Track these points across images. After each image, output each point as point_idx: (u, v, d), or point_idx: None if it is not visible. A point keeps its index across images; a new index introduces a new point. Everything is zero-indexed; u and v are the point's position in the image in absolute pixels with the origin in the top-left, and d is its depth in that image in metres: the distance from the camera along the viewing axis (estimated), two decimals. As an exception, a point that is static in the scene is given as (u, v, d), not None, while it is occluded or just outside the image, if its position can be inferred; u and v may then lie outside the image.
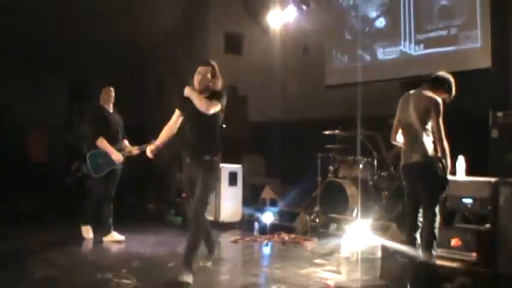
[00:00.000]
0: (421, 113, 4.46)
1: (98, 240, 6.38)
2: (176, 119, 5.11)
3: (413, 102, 4.53)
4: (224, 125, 10.05)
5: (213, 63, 5.07)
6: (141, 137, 6.27)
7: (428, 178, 4.38)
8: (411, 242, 4.50)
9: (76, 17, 10.52)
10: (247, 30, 11.48)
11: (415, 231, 4.48)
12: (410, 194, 4.56)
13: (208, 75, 4.98)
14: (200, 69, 5.04)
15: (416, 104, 4.50)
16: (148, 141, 5.49)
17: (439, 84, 4.56)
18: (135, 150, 6.48)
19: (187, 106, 4.91)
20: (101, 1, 10.18)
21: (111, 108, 6.63)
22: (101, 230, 6.46)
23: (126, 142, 6.69)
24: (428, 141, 4.43)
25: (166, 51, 11.73)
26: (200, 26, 11.61)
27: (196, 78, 4.98)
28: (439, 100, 4.43)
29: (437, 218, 4.37)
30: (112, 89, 6.67)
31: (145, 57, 11.72)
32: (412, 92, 4.63)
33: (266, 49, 10.85)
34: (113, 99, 6.65)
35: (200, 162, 4.88)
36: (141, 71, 12.07)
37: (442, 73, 4.64)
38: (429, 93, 4.48)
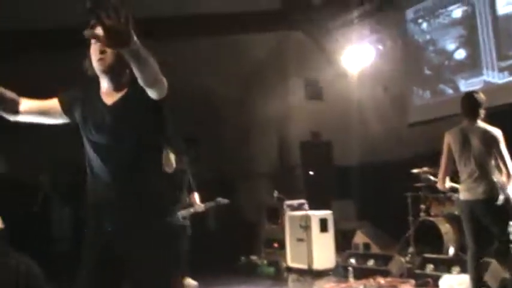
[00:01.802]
0: (487, 144, 4.37)
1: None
2: None
3: (476, 134, 4.45)
4: (311, 172, 10.11)
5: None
6: (221, 189, 6.33)
7: (502, 212, 4.25)
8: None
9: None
10: (326, 75, 11.51)
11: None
12: (475, 230, 4.44)
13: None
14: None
15: (481, 136, 4.42)
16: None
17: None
18: (200, 208, 6.62)
19: None
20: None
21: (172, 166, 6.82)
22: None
23: (195, 196, 6.83)
24: (495, 173, 4.32)
25: (248, 101, 11.87)
26: (280, 73, 11.74)
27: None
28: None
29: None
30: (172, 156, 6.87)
31: (223, 108, 11.88)
32: (464, 125, 4.58)
33: (345, 92, 10.85)
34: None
35: None
36: (219, 122, 12.24)
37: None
38: (486, 125, 4.44)
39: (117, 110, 2.78)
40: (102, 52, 2.77)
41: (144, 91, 2.65)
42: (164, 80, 2.63)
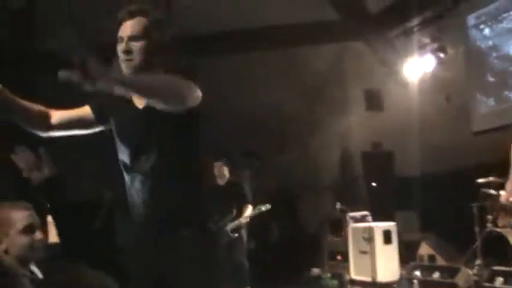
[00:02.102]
0: None
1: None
2: None
3: None
4: (374, 183, 10.00)
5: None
6: (284, 203, 6.35)
7: None
8: None
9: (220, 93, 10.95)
10: (386, 85, 11.40)
11: None
12: None
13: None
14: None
15: None
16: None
17: None
18: (245, 219, 6.67)
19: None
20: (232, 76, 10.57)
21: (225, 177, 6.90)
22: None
23: (248, 209, 6.89)
24: None
25: (305, 114, 11.82)
26: (340, 84, 11.67)
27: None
28: None
29: None
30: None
31: (285, 122, 11.85)
32: None
33: (406, 101, 10.70)
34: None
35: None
36: (281, 135, 12.22)
37: None
38: None
39: (149, 114, 2.57)
40: (127, 52, 2.61)
41: None
42: (185, 91, 2.44)
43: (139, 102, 2.67)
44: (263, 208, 7.01)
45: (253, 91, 10.43)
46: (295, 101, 11.21)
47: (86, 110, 2.80)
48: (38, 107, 2.75)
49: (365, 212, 8.96)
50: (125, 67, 2.62)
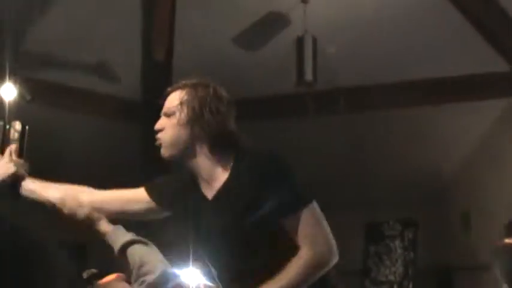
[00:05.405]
0: None
1: None
2: None
3: None
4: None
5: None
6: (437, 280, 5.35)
7: None
8: None
9: (369, 154, 10.17)
10: None
11: None
12: None
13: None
14: None
15: None
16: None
17: None
18: None
19: None
20: (390, 137, 9.71)
21: None
22: None
23: None
24: None
25: (470, 180, 10.63)
26: (505, 145, 10.36)
27: None
28: None
29: None
30: None
31: (446, 189, 10.76)
32: None
33: None
34: None
35: None
36: (442, 205, 11.09)
37: None
38: None
39: (220, 205, 2.15)
40: (156, 132, 2.25)
41: (252, 168, 2.10)
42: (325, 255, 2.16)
43: (210, 192, 2.27)
44: None
45: (407, 153, 9.54)
46: (455, 164, 10.15)
47: (139, 194, 2.45)
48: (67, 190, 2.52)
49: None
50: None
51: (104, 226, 2.52)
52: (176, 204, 2.35)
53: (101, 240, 2.58)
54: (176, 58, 8.15)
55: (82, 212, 2.42)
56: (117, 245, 2.52)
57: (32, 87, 4.21)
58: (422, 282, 6.53)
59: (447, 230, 10.70)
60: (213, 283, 2.83)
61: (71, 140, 7.95)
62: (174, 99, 2.24)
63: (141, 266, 2.47)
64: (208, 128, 2.18)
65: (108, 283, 3.06)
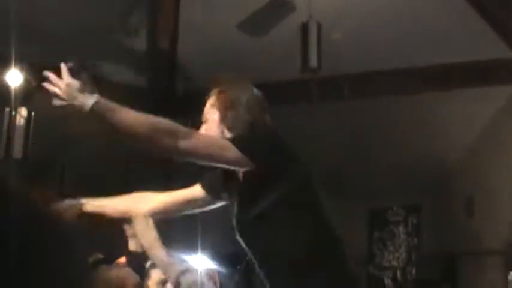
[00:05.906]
0: None
1: None
2: None
3: None
4: None
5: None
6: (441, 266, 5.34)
7: None
8: None
9: (373, 140, 10.15)
10: None
11: None
12: None
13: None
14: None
15: None
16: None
17: None
18: None
19: None
20: (392, 124, 9.68)
21: None
22: None
23: None
24: None
25: (473, 166, 10.60)
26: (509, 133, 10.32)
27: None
28: None
29: None
30: None
31: (450, 175, 10.74)
32: None
33: None
34: None
35: None
36: (446, 191, 11.07)
37: None
38: None
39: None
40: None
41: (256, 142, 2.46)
42: (182, 140, 2.21)
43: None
44: None
45: (414, 140, 9.52)
46: (460, 151, 10.09)
47: (195, 192, 2.59)
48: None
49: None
50: None
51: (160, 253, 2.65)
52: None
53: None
54: (181, 45, 8.16)
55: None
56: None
57: (37, 73, 4.22)
58: (426, 268, 6.54)
59: (451, 215, 10.69)
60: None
61: (76, 126, 7.98)
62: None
63: None
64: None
65: (113, 270, 3.12)
